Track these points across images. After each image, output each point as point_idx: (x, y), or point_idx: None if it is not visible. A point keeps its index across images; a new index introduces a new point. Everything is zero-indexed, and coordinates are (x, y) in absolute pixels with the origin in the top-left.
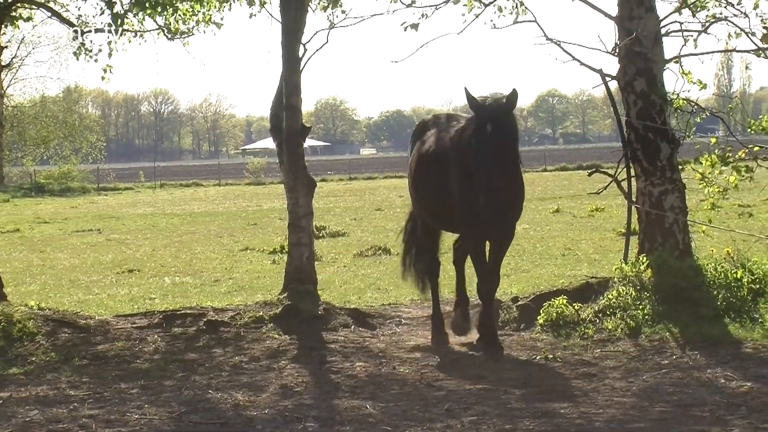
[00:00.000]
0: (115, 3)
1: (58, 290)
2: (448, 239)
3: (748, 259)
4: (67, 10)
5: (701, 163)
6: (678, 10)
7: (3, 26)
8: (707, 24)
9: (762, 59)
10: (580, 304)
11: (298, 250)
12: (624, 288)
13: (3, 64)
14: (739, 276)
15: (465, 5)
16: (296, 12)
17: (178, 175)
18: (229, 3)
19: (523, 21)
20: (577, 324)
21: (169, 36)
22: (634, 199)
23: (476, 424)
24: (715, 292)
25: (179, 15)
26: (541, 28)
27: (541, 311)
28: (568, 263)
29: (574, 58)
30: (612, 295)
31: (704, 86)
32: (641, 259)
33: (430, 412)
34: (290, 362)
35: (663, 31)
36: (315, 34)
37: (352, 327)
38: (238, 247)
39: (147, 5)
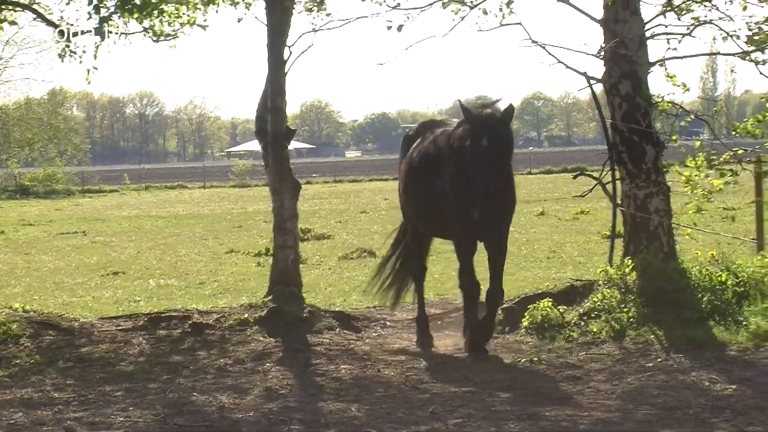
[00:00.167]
0: (102, 7)
1: (42, 293)
2: (436, 245)
3: (732, 262)
4: (51, 13)
5: (686, 166)
6: (663, 13)
7: None
8: (692, 27)
9: (747, 62)
10: (565, 307)
11: (283, 252)
12: (609, 291)
13: None
14: (723, 279)
15: (451, 10)
16: (281, 14)
17: (163, 178)
18: (215, 6)
19: (509, 24)
20: (562, 327)
21: (155, 38)
22: (619, 201)
23: (461, 427)
24: (699, 295)
25: (164, 17)
26: (527, 31)
27: (526, 314)
28: (553, 266)
29: (559, 61)
30: (597, 297)
31: (689, 89)
32: (626, 262)
33: (415, 414)
34: (275, 365)
35: (648, 34)
36: (300, 36)
37: (337, 330)
38: (223, 249)
39: (133, 8)
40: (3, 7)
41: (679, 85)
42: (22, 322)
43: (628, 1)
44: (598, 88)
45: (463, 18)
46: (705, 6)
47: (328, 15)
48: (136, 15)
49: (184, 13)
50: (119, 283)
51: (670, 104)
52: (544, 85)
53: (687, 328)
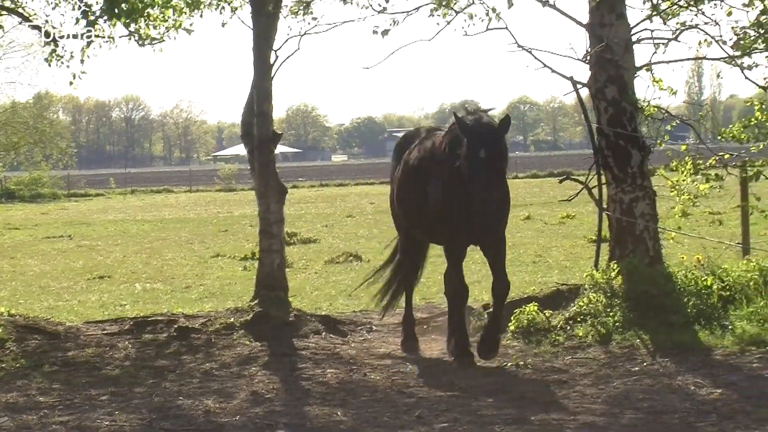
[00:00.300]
0: (90, 12)
1: (28, 296)
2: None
3: (718, 266)
4: (37, 17)
5: (672, 170)
6: (649, 17)
7: None
8: (678, 32)
9: (732, 67)
10: (550, 311)
11: (269, 256)
12: (594, 295)
13: None
14: (709, 283)
15: (438, 15)
16: (268, 19)
17: (149, 182)
18: (200, 10)
19: (495, 28)
20: (548, 331)
21: (140, 42)
22: (604, 206)
23: (447, 431)
24: (685, 299)
25: (149, 21)
26: (513, 36)
27: (511, 318)
28: (539, 270)
29: (545, 66)
30: (583, 302)
31: (675, 93)
32: (612, 266)
33: (401, 419)
34: (261, 369)
35: (634, 38)
36: (286, 40)
37: (323, 334)
38: (209, 253)
39: (120, 13)
40: None
41: (665, 90)
42: (8, 326)
43: (614, 5)
44: (584, 92)
45: (449, 22)
46: (691, 10)
47: (314, 19)
48: (123, 19)
49: (169, 17)
50: (105, 287)
51: (656, 108)
52: (530, 90)
53: (673, 333)
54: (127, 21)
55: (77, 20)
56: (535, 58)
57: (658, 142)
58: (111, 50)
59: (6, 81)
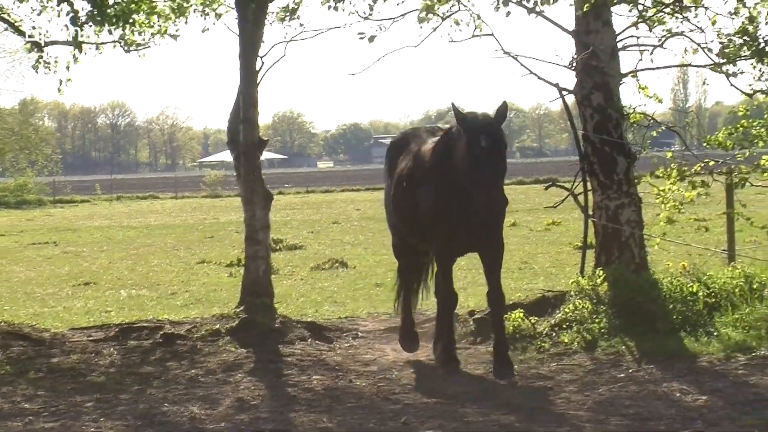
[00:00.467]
0: (78, 18)
1: (13, 303)
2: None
3: (703, 273)
4: (23, 23)
5: (658, 177)
6: (635, 24)
7: None
8: (664, 39)
9: (718, 74)
10: (536, 318)
11: (255, 263)
12: (580, 301)
13: None
14: (694, 290)
15: (425, 20)
16: (254, 25)
17: (134, 188)
18: (185, 16)
19: (481, 35)
20: (534, 337)
21: (126, 48)
22: (590, 212)
23: None
24: (671, 306)
25: (135, 27)
26: (499, 42)
27: None
28: (524, 277)
29: (531, 72)
30: (568, 308)
31: (660, 100)
32: (597, 272)
33: (387, 425)
34: (247, 375)
35: (620, 45)
36: (272, 47)
37: (309, 340)
38: (194, 259)
39: (109, 18)
40: None
41: (650, 97)
42: None
43: (600, 13)
44: (570, 99)
45: (435, 29)
46: (677, 18)
47: (301, 25)
48: (113, 24)
49: (155, 23)
50: (90, 294)
51: (641, 115)
52: (516, 96)
53: (658, 339)
54: (114, 26)
55: (66, 27)
56: (521, 64)
57: (644, 148)
58: (96, 57)
59: None
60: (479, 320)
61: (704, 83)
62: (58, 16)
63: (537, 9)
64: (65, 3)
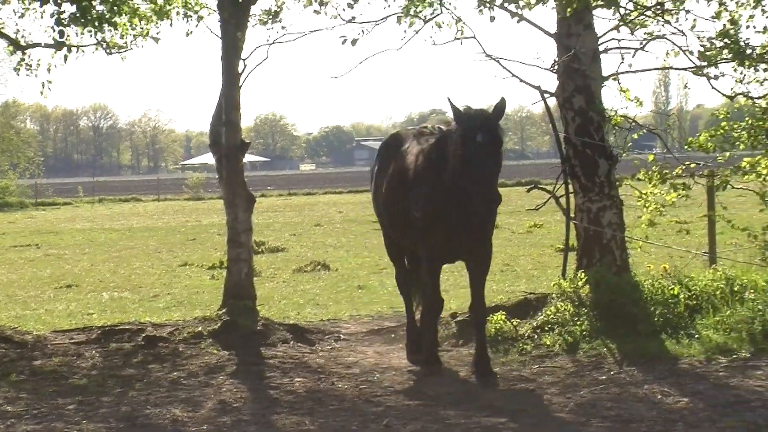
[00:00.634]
0: (63, 19)
1: None
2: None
3: (685, 275)
4: (6, 26)
5: (639, 180)
6: (616, 27)
7: None
8: (645, 42)
9: (699, 77)
10: (518, 320)
11: (237, 265)
12: (562, 304)
13: None
14: (675, 292)
15: (406, 23)
16: (236, 28)
17: (116, 190)
18: (168, 19)
19: (463, 38)
20: (516, 340)
21: (107, 51)
22: (572, 215)
23: None
24: (652, 308)
25: (117, 30)
26: (481, 45)
27: None
28: (506, 279)
29: (513, 75)
30: (550, 311)
31: (642, 103)
32: (579, 275)
33: (369, 427)
34: (229, 378)
35: (601, 48)
36: (255, 49)
37: (291, 343)
38: (176, 262)
39: (93, 20)
40: None
41: (632, 99)
42: None
43: (582, 16)
44: (552, 101)
45: (417, 32)
46: (658, 21)
47: (283, 28)
48: (96, 25)
49: (136, 25)
50: (73, 296)
51: (623, 118)
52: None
53: (640, 341)
54: (97, 29)
55: (52, 29)
56: (503, 67)
57: (625, 151)
58: (78, 59)
59: None
60: (461, 322)
61: (686, 86)
62: (41, 17)
63: (519, 12)
64: (49, 4)
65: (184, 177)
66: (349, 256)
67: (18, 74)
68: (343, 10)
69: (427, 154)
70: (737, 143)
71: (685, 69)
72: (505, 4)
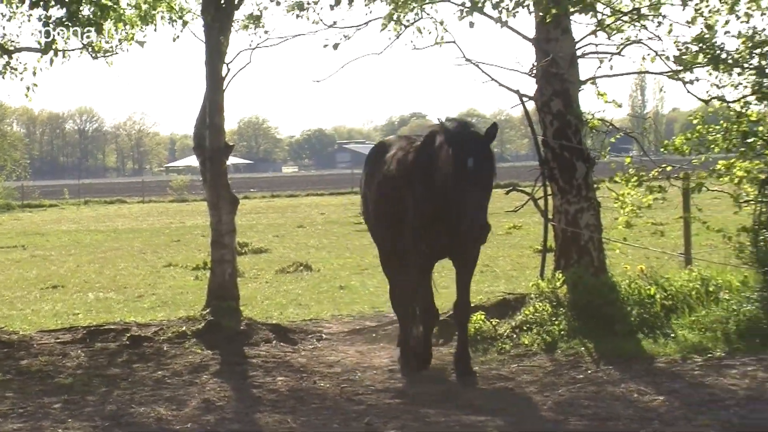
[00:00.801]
0: (50, 22)
1: None
2: (369, 259)
3: (661, 276)
4: None
5: (616, 182)
6: (594, 32)
7: None
8: (622, 46)
9: (675, 81)
10: (497, 320)
11: (221, 266)
12: (540, 304)
13: None
14: (652, 293)
15: (388, 29)
16: (219, 33)
17: (102, 192)
18: (153, 23)
19: (443, 42)
20: (495, 339)
21: (93, 55)
22: (550, 216)
23: None
24: (629, 309)
25: (102, 34)
26: (461, 50)
27: None
28: (485, 280)
29: (492, 79)
30: (529, 311)
31: (619, 106)
32: (557, 275)
33: (350, 425)
34: (212, 377)
35: (579, 53)
36: (238, 54)
37: (274, 342)
38: (161, 263)
39: (75, 24)
40: None
41: (609, 103)
42: None
43: (559, 21)
44: (531, 105)
45: (398, 35)
46: (635, 26)
47: (266, 32)
48: (83, 26)
49: (122, 30)
50: (58, 297)
51: (600, 121)
52: (478, 103)
53: (617, 341)
54: (85, 31)
55: (40, 32)
56: (483, 71)
57: (602, 154)
58: (64, 63)
59: None
60: (442, 322)
61: (662, 90)
62: (29, 20)
63: (505, 20)
64: (38, 8)
65: (169, 179)
66: (331, 257)
67: (3, 78)
68: (323, 11)
69: (418, 154)
70: (712, 146)
71: (661, 73)
72: (485, 10)
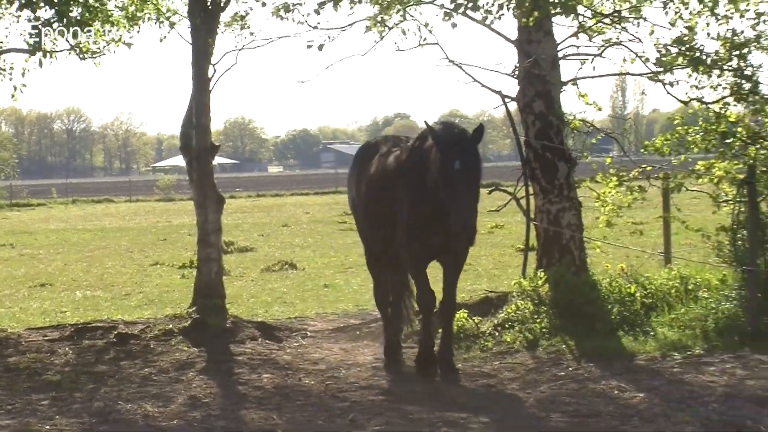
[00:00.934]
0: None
1: None
2: (354, 257)
3: (641, 274)
4: None
5: (597, 182)
6: (575, 34)
7: None
8: (603, 48)
9: (655, 83)
10: (480, 318)
11: (207, 265)
12: (522, 302)
13: None
14: (632, 291)
15: (372, 30)
16: (206, 34)
17: (90, 192)
18: (139, 25)
19: (427, 44)
20: (477, 337)
21: (81, 56)
22: (532, 216)
23: None
24: (609, 307)
25: (90, 35)
26: (444, 51)
27: None
28: (468, 278)
29: (475, 80)
30: (511, 309)
31: (600, 108)
32: (539, 274)
33: (335, 422)
34: (199, 374)
35: (561, 54)
36: (224, 55)
37: (260, 340)
38: (148, 261)
39: (68, 23)
40: None
41: (590, 104)
42: None
43: (541, 23)
44: (513, 106)
45: (382, 37)
46: (616, 28)
47: (251, 34)
48: (73, 25)
49: (109, 31)
50: (46, 295)
51: (581, 122)
52: (461, 103)
53: (597, 339)
54: (75, 31)
55: (30, 35)
56: (466, 72)
57: (584, 154)
58: (52, 64)
59: None
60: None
61: (642, 92)
62: (17, 21)
63: (489, 23)
64: (27, 9)
65: (156, 179)
66: (315, 255)
67: None
68: (308, 13)
69: (410, 154)
70: (691, 147)
71: (641, 75)
72: (468, 12)
